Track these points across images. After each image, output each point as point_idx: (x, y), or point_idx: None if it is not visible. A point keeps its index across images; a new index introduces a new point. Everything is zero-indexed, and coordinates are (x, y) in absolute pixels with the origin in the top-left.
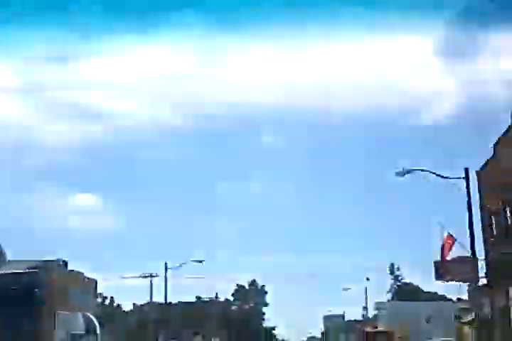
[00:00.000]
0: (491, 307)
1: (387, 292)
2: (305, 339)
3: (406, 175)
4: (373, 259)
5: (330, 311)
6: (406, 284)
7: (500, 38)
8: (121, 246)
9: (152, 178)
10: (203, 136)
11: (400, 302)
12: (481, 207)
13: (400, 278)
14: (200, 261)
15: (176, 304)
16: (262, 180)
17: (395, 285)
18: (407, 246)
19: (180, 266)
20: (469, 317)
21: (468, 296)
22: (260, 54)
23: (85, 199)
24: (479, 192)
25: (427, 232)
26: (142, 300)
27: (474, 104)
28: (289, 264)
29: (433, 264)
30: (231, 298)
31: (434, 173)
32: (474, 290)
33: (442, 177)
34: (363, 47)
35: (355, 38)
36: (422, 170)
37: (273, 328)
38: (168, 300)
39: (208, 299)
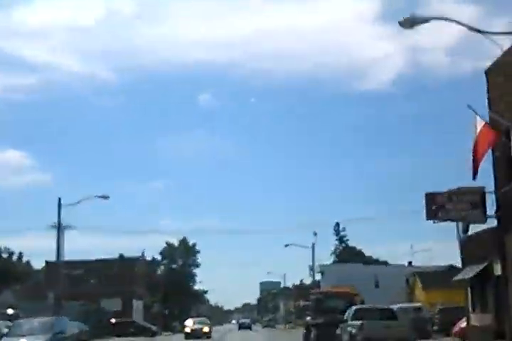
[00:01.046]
0: (503, 258)
1: (331, 254)
2: (240, 305)
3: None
4: (318, 218)
5: (269, 273)
6: (350, 247)
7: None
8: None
9: (84, 134)
10: (136, 91)
11: (346, 264)
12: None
13: (345, 238)
14: (105, 197)
15: (92, 261)
16: (198, 139)
17: (339, 247)
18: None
19: (79, 202)
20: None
21: (463, 246)
22: (203, 10)
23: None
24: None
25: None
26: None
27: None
28: (223, 223)
29: (425, 197)
30: (159, 257)
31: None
32: (481, 233)
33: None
34: (307, 8)
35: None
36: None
37: (205, 292)
38: (88, 258)
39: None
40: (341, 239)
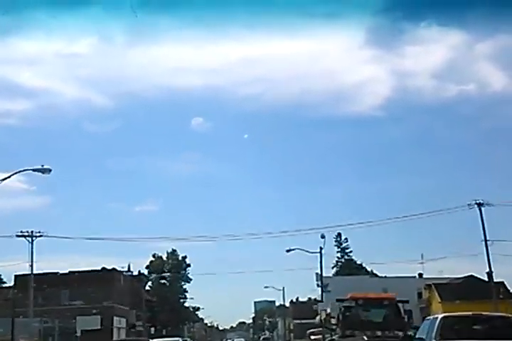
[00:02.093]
0: None
1: (333, 267)
2: (235, 325)
3: None
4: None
5: (267, 287)
6: (351, 260)
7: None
8: None
9: (78, 158)
10: (130, 117)
11: (351, 276)
12: None
13: (347, 250)
14: (43, 171)
15: (68, 274)
16: (190, 162)
17: (341, 260)
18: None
19: (10, 177)
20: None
21: None
22: (192, 38)
23: None
24: None
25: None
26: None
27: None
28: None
29: None
30: (145, 271)
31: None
32: None
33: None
34: (295, 36)
35: (289, 27)
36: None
37: (197, 309)
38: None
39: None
40: (343, 251)
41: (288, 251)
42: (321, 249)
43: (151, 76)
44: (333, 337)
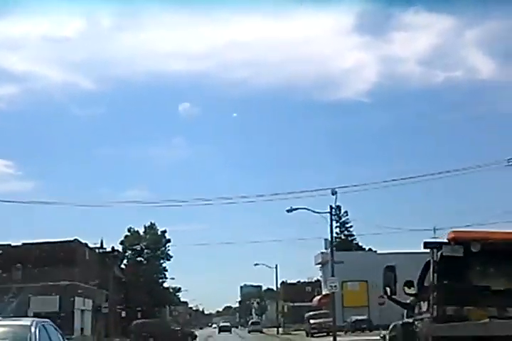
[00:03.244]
0: None
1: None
2: (221, 309)
3: None
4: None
5: (257, 265)
6: (352, 236)
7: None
8: None
9: (64, 143)
10: (117, 101)
11: (357, 252)
12: None
13: (347, 225)
14: None
15: (19, 246)
16: (178, 147)
17: (340, 235)
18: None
19: None
20: None
21: None
22: (179, 22)
23: None
24: None
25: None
26: None
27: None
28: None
29: None
30: (119, 247)
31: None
32: None
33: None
34: (284, 20)
35: (277, 11)
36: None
37: (178, 290)
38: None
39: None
40: (343, 225)
41: (289, 211)
42: (331, 208)
43: (138, 60)
44: (417, 320)
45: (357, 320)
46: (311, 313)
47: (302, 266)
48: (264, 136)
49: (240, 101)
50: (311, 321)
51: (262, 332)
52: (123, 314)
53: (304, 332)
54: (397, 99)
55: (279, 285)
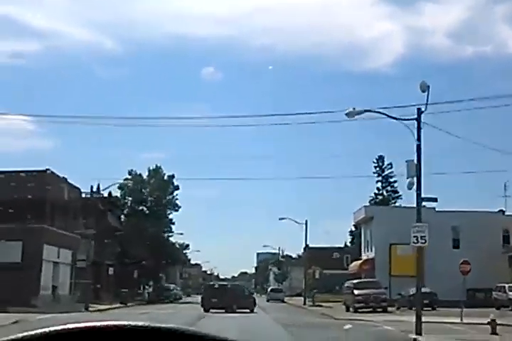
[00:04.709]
0: None
1: (371, 200)
2: (236, 275)
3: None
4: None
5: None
6: (396, 193)
7: None
8: None
9: (85, 102)
10: (140, 63)
11: (408, 209)
12: None
13: (390, 179)
14: None
15: None
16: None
17: (382, 191)
18: None
19: None
20: None
21: None
22: None
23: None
24: None
25: None
26: None
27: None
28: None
29: None
30: (118, 194)
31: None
32: None
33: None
34: None
35: None
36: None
37: (186, 246)
38: None
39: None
40: (386, 179)
41: None
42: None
43: (161, 22)
44: None
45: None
46: (356, 281)
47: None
48: (286, 104)
49: (263, 67)
50: (356, 292)
51: (283, 301)
52: (110, 271)
53: (339, 305)
54: (423, 71)
55: (301, 251)
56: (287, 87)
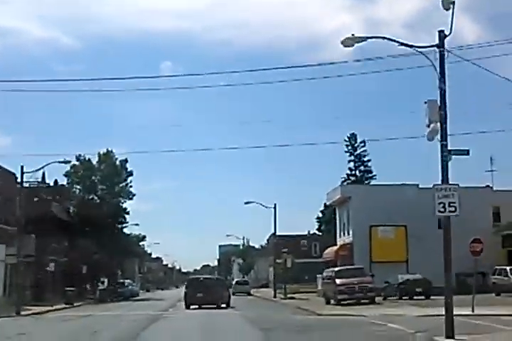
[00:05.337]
0: None
1: (343, 182)
2: (198, 268)
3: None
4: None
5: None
6: (370, 173)
7: None
8: None
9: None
10: (98, 58)
11: (387, 186)
12: None
13: (363, 159)
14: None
15: None
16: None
17: (355, 172)
18: None
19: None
20: None
21: None
22: None
23: None
24: None
25: None
26: None
27: None
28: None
29: None
30: (64, 181)
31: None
32: None
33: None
34: None
35: None
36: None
37: (143, 238)
38: None
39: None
40: (358, 159)
41: None
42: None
43: (119, 17)
44: None
45: (408, 281)
46: (338, 269)
47: (290, 221)
48: (245, 97)
49: (222, 61)
50: (338, 281)
51: (250, 294)
52: (50, 267)
53: (314, 297)
54: (381, 61)
55: (264, 242)
56: (244, 80)
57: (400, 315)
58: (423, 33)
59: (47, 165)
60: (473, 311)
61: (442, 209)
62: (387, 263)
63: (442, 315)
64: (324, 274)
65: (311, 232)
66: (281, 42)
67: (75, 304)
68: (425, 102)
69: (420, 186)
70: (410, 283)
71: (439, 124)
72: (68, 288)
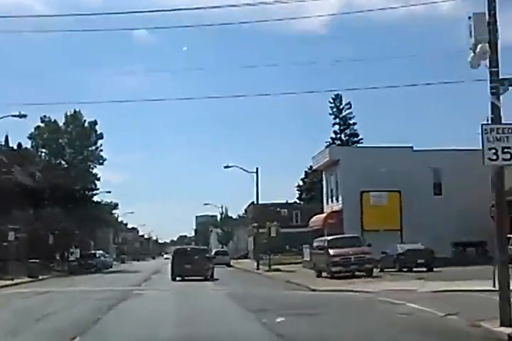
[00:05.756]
0: None
1: (328, 145)
2: (175, 238)
3: None
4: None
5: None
6: (356, 136)
7: None
8: None
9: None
10: (68, 24)
11: (391, 147)
12: None
13: (350, 121)
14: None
15: None
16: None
17: (340, 135)
18: None
19: None
20: None
21: None
22: None
23: None
24: None
25: None
26: None
27: None
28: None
29: None
30: (29, 145)
31: None
32: None
33: None
34: None
35: None
36: None
37: (114, 206)
38: None
39: None
40: (343, 121)
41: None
42: None
43: None
44: None
45: (408, 251)
46: (331, 238)
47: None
48: (217, 66)
49: (195, 30)
50: (332, 251)
51: (229, 265)
52: (11, 236)
53: (300, 268)
54: (356, 31)
55: (242, 212)
56: (216, 50)
57: (410, 291)
58: (399, 3)
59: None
60: (494, 286)
61: (494, 157)
62: (380, 231)
63: (460, 291)
64: (315, 244)
65: (292, 201)
66: (253, 11)
67: (40, 277)
68: (469, 17)
69: (414, 148)
70: (411, 253)
71: (487, 45)
72: (32, 260)
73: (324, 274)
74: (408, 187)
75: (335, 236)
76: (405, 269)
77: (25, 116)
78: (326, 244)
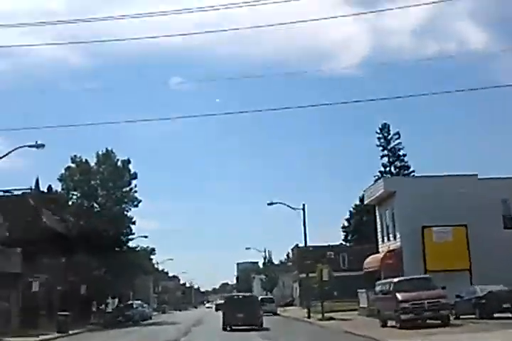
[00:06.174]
0: None
1: (376, 180)
2: (217, 287)
3: None
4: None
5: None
6: (407, 168)
7: None
8: None
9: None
10: (104, 75)
11: (453, 176)
12: None
13: (398, 152)
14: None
15: None
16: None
17: (389, 168)
18: None
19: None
20: None
21: None
22: None
23: None
24: None
25: None
26: None
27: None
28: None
29: None
30: (59, 187)
31: None
32: None
33: None
34: None
35: None
36: None
37: (152, 251)
38: None
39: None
40: (392, 153)
41: None
42: None
43: (128, 33)
44: None
45: (490, 294)
46: (397, 280)
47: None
48: (254, 112)
49: (231, 74)
50: (400, 296)
51: (276, 313)
52: (35, 287)
53: (356, 316)
54: (389, 71)
55: (284, 257)
56: (254, 94)
57: None
58: (431, 41)
59: (14, 150)
60: None
61: None
62: (447, 272)
63: None
64: (377, 288)
65: (337, 243)
66: (288, 54)
67: (70, 332)
68: None
69: (479, 177)
70: (495, 296)
71: None
72: (61, 313)
73: (391, 323)
74: (475, 220)
75: (402, 278)
76: (485, 315)
77: (43, 145)
78: (391, 288)
